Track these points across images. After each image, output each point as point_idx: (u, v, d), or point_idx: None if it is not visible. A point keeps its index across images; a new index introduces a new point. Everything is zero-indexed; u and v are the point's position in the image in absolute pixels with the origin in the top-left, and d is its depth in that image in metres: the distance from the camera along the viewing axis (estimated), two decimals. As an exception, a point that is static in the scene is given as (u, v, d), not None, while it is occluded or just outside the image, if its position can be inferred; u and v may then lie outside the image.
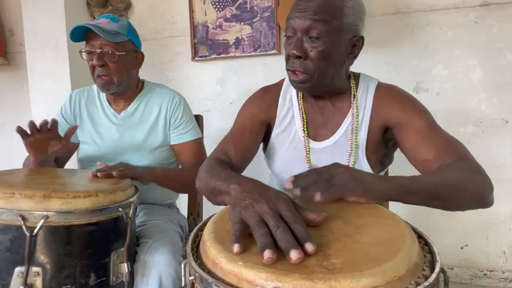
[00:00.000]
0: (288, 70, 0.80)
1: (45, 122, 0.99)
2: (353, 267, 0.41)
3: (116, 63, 1.09)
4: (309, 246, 0.43)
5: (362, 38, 0.78)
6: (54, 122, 1.01)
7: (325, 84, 0.80)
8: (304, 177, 0.56)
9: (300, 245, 0.43)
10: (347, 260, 0.43)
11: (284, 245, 0.43)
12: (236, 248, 0.44)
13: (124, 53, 1.09)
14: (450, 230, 1.73)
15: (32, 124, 0.97)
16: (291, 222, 0.47)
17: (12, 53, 2.23)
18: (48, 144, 1.01)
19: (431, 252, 0.50)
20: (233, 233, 0.46)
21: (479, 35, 1.63)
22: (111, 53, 1.07)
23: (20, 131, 0.96)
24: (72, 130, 1.03)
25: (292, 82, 0.81)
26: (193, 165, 1.14)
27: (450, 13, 1.66)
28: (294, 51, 0.75)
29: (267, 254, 0.41)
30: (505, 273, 1.69)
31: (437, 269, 0.44)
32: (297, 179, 0.55)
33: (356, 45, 0.78)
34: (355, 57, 0.80)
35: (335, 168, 0.59)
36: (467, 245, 1.74)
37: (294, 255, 0.41)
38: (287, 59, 0.79)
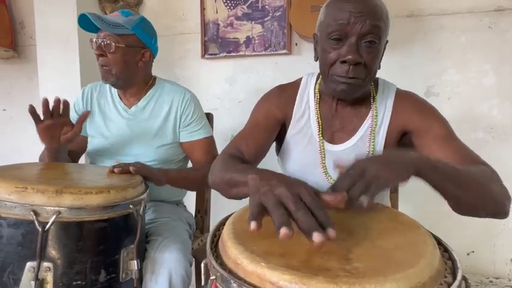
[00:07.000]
0: (333, 75, 0.75)
1: (57, 100, 0.99)
2: (376, 272, 0.40)
3: (114, 54, 1.09)
4: (331, 232, 0.41)
5: (387, 41, 0.79)
6: (66, 104, 1.01)
7: (363, 89, 0.80)
8: (341, 182, 0.51)
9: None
10: (369, 264, 0.42)
11: (307, 227, 0.41)
12: (253, 224, 0.42)
13: (124, 45, 1.09)
14: (457, 236, 1.71)
15: (45, 102, 0.97)
16: (312, 206, 0.44)
17: (22, 45, 2.23)
18: (60, 130, 1.01)
19: (452, 259, 0.49)
20: (250, 214, 0.44)
21: (493, 40, 1.61)
22: (109, 44, 1.07)
23: (32, 112, 0.96)
24: (85, 115, 1.03)
25: (340, 90, 0.75)
26: (205, 163, 1.14)
27: (463, 17, 1.64)
28: (354, 57, 0.70)
29: (284, 230, 0.40)
30: (511, 281, 1.68)
31: (459, 276, 0.44)
32: (335, 186, 0.51)
33: (385, 48, 0.79)
34: None
35: (362, 163, 0.53)
36: (473, 252, 1.72)
37: (317, 237, 0.40)
38: (331, 64, 0.74)
